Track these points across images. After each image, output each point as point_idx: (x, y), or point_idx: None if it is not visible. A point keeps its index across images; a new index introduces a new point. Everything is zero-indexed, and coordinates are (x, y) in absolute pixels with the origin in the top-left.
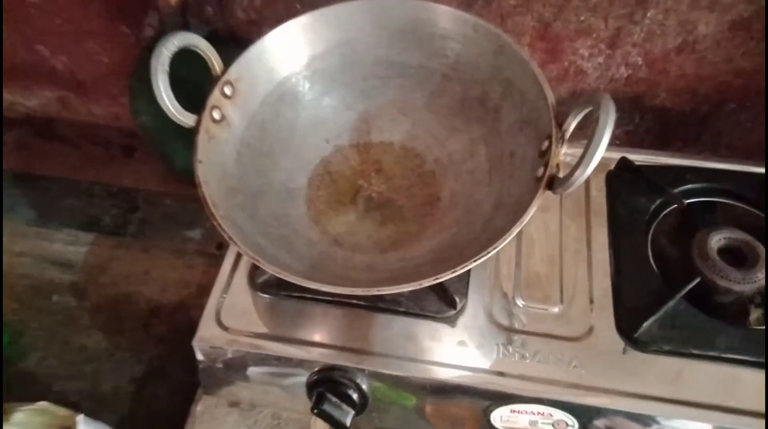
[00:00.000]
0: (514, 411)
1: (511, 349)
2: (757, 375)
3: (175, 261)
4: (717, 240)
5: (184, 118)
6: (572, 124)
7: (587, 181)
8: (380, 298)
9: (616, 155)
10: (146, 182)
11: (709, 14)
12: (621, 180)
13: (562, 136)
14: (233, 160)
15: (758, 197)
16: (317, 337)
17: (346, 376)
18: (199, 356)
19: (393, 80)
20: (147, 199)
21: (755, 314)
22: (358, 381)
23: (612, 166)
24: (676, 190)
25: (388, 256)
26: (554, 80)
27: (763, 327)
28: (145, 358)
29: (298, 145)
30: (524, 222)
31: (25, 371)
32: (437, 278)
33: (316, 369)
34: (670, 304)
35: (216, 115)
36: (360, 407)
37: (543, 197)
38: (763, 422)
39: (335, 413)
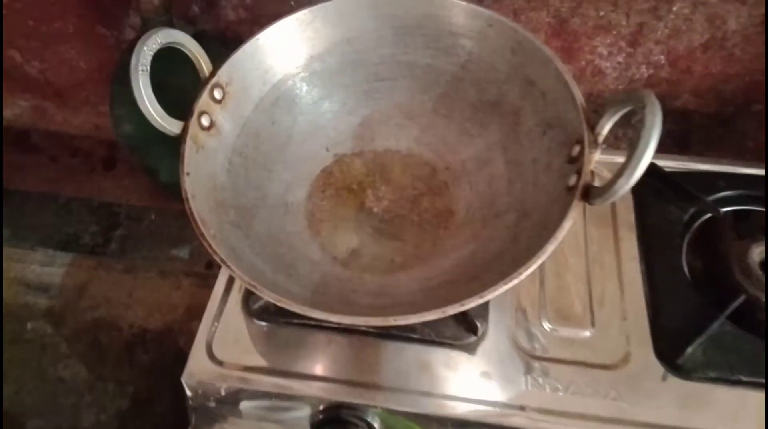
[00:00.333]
0: None
1: (541, 380)
2: None
3: (160, 282)
4: (759, 252)
5: (169, 125)
6: (606, 127)
7: None
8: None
9: None
10: (128, 197)
11: (741, 7)
12: (649, 187)
13: (595, 140)
14: (224, 171)
15: None
16: (321, 370)
17: (356, 414)
18: (189, 393)
19: (399, 82)
20: (129, 215)
21: None
22: (369, 419)
23: None
24: (709, 199)
25: (399, 277)
26: None
27: None
28: (128, 390)
29: (296, 155)
30: (560, 237)
31: None
32: (464, 304)
33: (322, 407)
34: (714, 325)
35: (204, 121)
36: None
37: (578, 209)
38: None
39: None
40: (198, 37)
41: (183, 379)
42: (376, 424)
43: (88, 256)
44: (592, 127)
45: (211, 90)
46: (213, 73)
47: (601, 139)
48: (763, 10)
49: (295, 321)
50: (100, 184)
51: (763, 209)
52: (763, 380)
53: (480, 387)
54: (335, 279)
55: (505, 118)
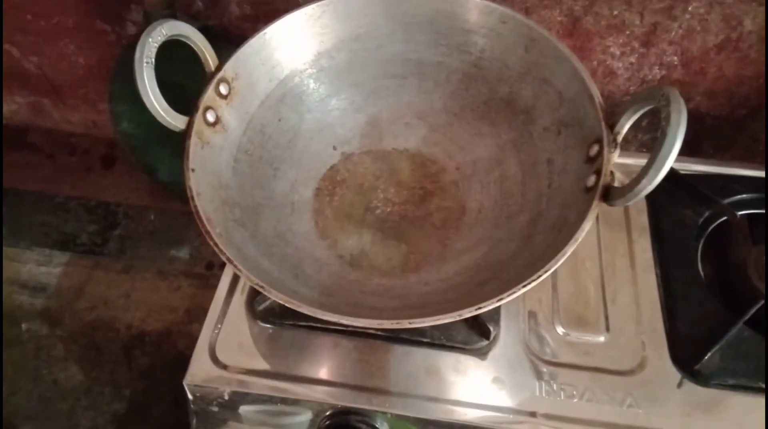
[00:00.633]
0: None
1: (555, 386)
2: None
3: (159, 283)
4: None
5: (173, 120)
6: (626, 125)
7: None
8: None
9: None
10: (127, 196)
11: (758, 7)
12: (662, 190)
13: (614, 140)
14: (229, 168)
15: None
16: (328, 374)
17: (365, 420)
18: (191, 397)
19: (408, 80)
20: (128, 215)
21: None
22: (378, 425)
23: None
24: (725, 202)
25: (409, 279)
26: None
27: None
28: (126, 393)
29: (302, 153)
30: (580, 238)
31: None
32: (480, 307)
33: (329, 413)
34: (733, 330)
35: (210, 117)
36: None
37: (598, 210)
38: None
39: None
40: (201, 33)
41: (185, 383)
42: None
43: (86, 256)
44: (611, 126)
45: (217, 85)
46: (219, 68)
47: (620, 138)
48: None
49: (301, 323)
50: (99, 182)
51: None
52: None
53: (491, 392)
54: (343, 280)
55: (518, 117)
